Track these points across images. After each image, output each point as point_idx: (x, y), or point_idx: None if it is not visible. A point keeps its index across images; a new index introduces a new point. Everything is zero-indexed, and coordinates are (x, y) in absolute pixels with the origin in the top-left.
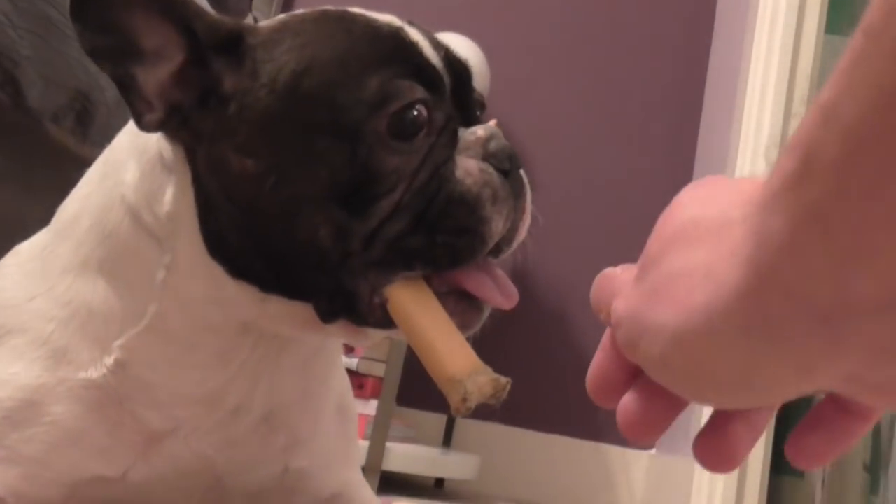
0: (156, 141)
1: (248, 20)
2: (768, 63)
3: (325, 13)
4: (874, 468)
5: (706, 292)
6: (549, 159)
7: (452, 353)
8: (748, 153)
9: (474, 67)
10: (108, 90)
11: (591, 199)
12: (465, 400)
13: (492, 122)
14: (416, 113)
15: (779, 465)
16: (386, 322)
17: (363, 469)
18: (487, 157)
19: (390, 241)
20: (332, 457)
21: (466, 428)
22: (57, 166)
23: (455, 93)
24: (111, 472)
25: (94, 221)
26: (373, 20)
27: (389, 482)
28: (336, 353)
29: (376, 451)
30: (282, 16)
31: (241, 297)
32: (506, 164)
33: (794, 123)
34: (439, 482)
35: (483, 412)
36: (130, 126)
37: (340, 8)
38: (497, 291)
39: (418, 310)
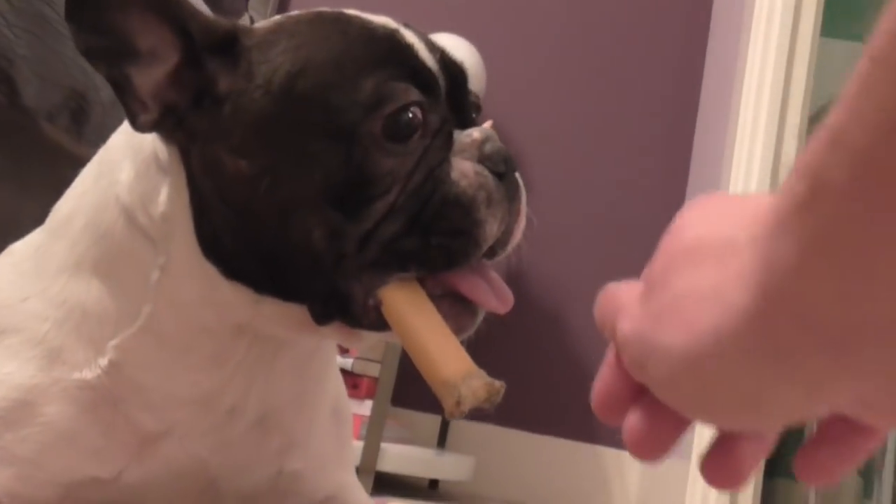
0: (151, 141)
1: (245, 20)
2: (764, 64)
3: (321, 15)
4: (868, 472)
5: (714, 314)
6: (545, 161)
7: (446, 357)
8: (743, 156)
9: (470, 69)
10: (103, 89)
11: (586, 202)
12: (459, 404)
13: (487, 124)
14: (410, 115)
15: (773, 468)
16: (380, 324)
17: (357, 470)
18: (483, 159)
19: (385, 243)
20: (326, 459)
21: (461, 429)
22: (52, 165)
23: (450, 95)
24: (105, 473)
25: (88, 221)
26: (368, 22)
27: (384, 483)
28: (331, 355)
29: (371, 452)
30: (277, 17)
31: (235, 299)
32: (501, 166)
33: (790, 125)
34: (434, 483)
35: (478, 413)
36: (125, 126)
37: (336, 9)
38: (492, 295)
39: (412, 312)
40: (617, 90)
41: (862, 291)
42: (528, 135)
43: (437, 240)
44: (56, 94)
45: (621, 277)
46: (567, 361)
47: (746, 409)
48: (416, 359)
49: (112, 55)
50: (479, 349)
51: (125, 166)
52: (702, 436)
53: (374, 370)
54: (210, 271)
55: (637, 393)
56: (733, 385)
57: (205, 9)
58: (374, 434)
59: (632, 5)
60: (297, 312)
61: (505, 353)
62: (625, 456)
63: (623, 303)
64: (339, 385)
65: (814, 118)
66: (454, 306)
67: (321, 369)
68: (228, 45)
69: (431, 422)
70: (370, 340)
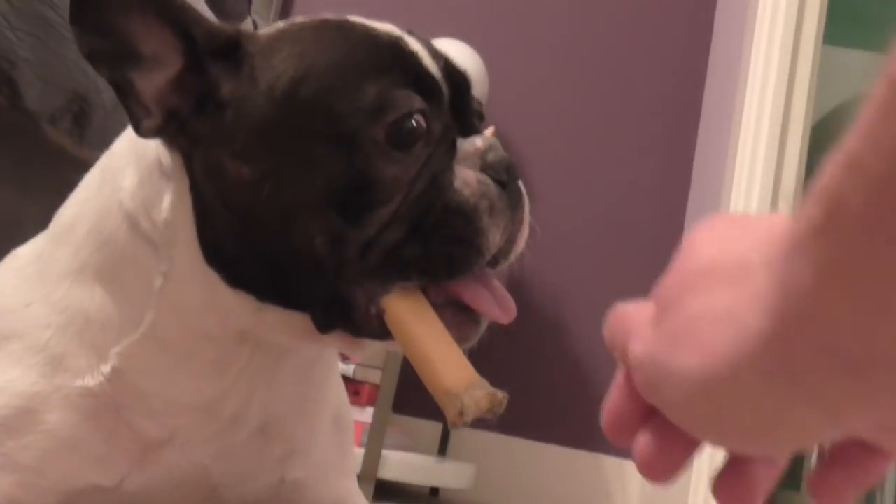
0: (154, 147)
1: (247, 23)
2: (767, 72)
3: (325, 21)
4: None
5: (729, 336)
6: (546, 167)
7: (449, 366)
8: (745, 164)
9: (473, 75)
10: (105, 92)
11: (587, 208)
12: (461, 414)
13: (489, 131)
14: (414, 123)
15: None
16: (382, 333)
17: (358, 477)
18: (485, 167)
19: (386, 250)
20: (328, 467)
21: (462, 437)
22: (53, 167)
23: (454, 103)
24: (107, 480)
25: (91, 227)
26: (372, 29)
27: (384, 490)
28: (333, 363)
29: (372, 459)
30: (280, 23)
31: (237, 306)
32: (503, 175)
33: (793, 131)
34: (434, 491)
35: (479, 422)
36: (129, 132)
37: (340, 16)
38: (495, 305)
39: (415, 321)
40: (618, 97)
41: (878, 315)
42: (529, 140)
43: (439, 248)
44: (58, 96)
45: (623, 285)
46: (568, 369)
47: (761, 433)
48: (419, 368)
49: (115, 59)
50: (479, 356)
51: (128, 172)
52: (706, 448)
53: (375, 377)
54: (213, 278)
55: (647, 413)
56: (749, 408)
57: (207, 12)
58: (375, 441)
59: (634, 12)
60: (299, 320)
61: (506, 361)
62: (626, 464)
63: (634, 324)
64: (341, 393)
65: (817, 125)
66: (457, 315)
67: (323, 377)
68: (231, 50)
69: (432, 429)
70: (372, 349)
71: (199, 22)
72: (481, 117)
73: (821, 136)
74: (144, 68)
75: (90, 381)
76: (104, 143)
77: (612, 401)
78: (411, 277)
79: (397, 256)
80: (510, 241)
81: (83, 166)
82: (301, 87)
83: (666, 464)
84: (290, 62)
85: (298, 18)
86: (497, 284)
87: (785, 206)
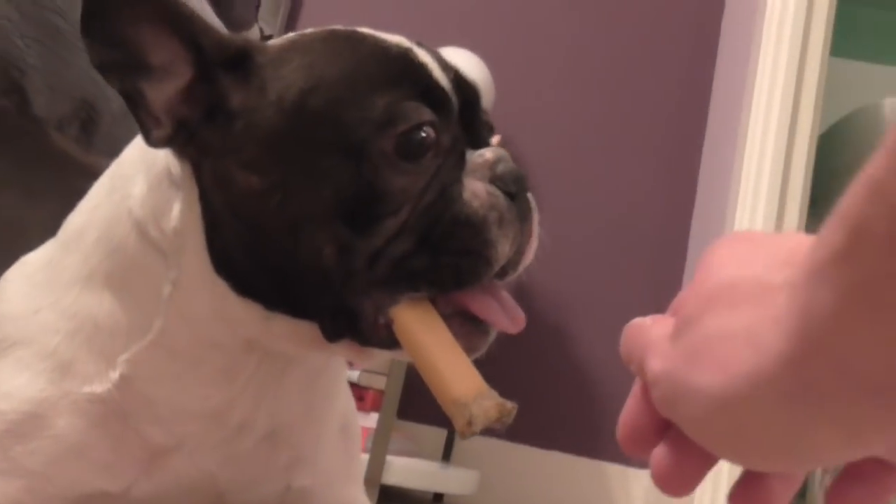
0: (164, 156)
1: (254, 31)
2: (773, 83)
3: (334, 32)
4: None
5: (749, 358)
6: (551, 176)
7: (457, 376)
8: (752, 172)
9: (479, 84)
10: (113, 100)
11: (593, 218)
12: (470, 423)
13: (494, 139)
14: (423, 135)
15: None
16: (391, 343)
17: None
18: (495, 179)
19: (395, 261)
20: (334, 475)
21: (466, 443)
22: (59, 173)
23: (463, 115)
24: (114, 487)
25: (100, 235)
26: (382, 40)
27: (388, 496)
28: (340, 371)
29: (376, 465)
30: (290, 35)
31: (246, 315)
32: (513, 187)
33: (800, 142)
34: (438, 497)
35: (486, 430)
36: (139, 141)
37: (349, 28)
38: (503, 315)
39: (423, 331)
40: (624, 106)
41: None
42: (534, 149)
43: (448, 259)
44: (66, 103)
45: (627, 295)
46: (572, 376)
47: (780, 452)
48: (428, 378)
49: (125, 70)
50: (484, 364)
51: (138, 181)
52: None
53: (379, 383)
54: (221, 287)
55: (663, 427)
56: (768, 427)
57: (215, 20)
58: (379, 447)
59: (640, 22)
60: (307, 330)
61: (510, 368)
62: (629, 471)
63: (652, 338)
64: (348, 401)
65: (824, 136)
66: (465, 325)
67: (330, 385)
68: (241, 61)
69: (436, 435)
70: (380, 358)
71: (209, 32)
72: (491, 129)
73: (827, 148)
74: (154, 79)
75: (98, 387)
76: (111, 149)
77: (629, 413)
78: (420, 288)
79: (406, 267)
80: (519, 252)
81: (89, 172)
82: (310, 99)
83: (682, 477)
84: (299, 73)
85: (308, 30)
86: (505, 295)
87: (790, 217)
